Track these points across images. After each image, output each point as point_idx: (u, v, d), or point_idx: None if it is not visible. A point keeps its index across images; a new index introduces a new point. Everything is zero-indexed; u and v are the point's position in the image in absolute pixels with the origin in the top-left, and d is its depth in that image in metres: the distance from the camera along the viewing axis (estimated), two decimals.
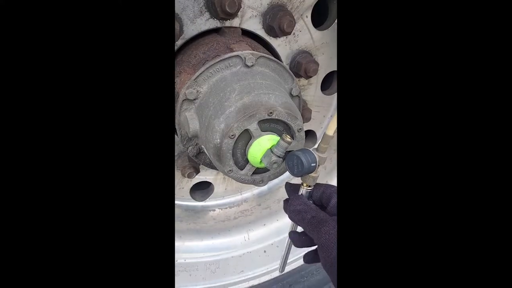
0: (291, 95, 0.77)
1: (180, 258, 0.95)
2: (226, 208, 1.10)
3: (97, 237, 0.45)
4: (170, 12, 0.47)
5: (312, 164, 0.63)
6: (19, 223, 0.43)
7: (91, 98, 0.44)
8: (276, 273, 1.00)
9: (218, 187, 1.06)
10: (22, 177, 0.43)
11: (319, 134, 1.06)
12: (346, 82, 0.47)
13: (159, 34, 0.46)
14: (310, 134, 1.05)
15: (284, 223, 1.11)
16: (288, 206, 0.66)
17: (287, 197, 0.71)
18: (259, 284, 0.99)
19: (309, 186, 0.67)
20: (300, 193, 0.68)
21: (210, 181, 1.04)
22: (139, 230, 0.46)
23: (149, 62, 0.46)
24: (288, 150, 0.65)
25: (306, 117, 0.90)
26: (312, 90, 0.95)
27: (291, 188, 0.71)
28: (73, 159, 0.44)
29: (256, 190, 1.15)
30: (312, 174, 0.66)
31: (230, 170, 0.69)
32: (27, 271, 0.44)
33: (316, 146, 0.66)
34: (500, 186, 0.42)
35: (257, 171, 0.72)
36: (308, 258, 0.69)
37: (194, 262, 0.97)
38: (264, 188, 1.15)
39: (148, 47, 0.45)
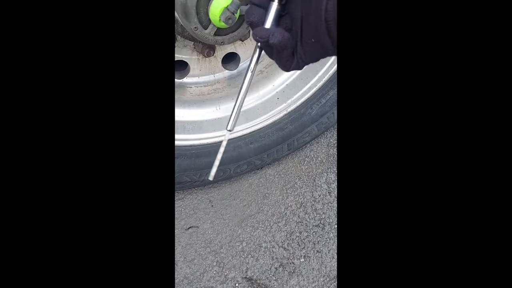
0: None
1: None
2: (201, 86, 1.30)
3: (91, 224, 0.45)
4: (170, 11, 0.48)
5: None
6: (17, 217, 0.43)
7: (90, 95, 0.45)
8: (240, 133, 1.27)
9: (193, 70, 1.25)
10: (17, 171, 0.43)
11: None
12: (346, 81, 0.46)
13: (159, 33, 0.46)
14: None
15: (249, 98, 1.34)
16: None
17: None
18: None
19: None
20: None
21: (186, 61, 1.22)
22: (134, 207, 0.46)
23: (149, 61, 0.46)
24: (241, 14, 0.81)
25: None
26: None
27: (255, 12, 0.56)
28: (70, 146, 0.44)
29: (227, 73, 1.34)
30: None
31: (196, 28, 0.86)
32: (22, 259, 0.43)
33: None
34: (500, 183, 0.42)
35: (219, 32, 0.90)
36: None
37: (176, 121, 1.22)
38: (234, 72, 1.34)
39: (148, 47, 0.45)
